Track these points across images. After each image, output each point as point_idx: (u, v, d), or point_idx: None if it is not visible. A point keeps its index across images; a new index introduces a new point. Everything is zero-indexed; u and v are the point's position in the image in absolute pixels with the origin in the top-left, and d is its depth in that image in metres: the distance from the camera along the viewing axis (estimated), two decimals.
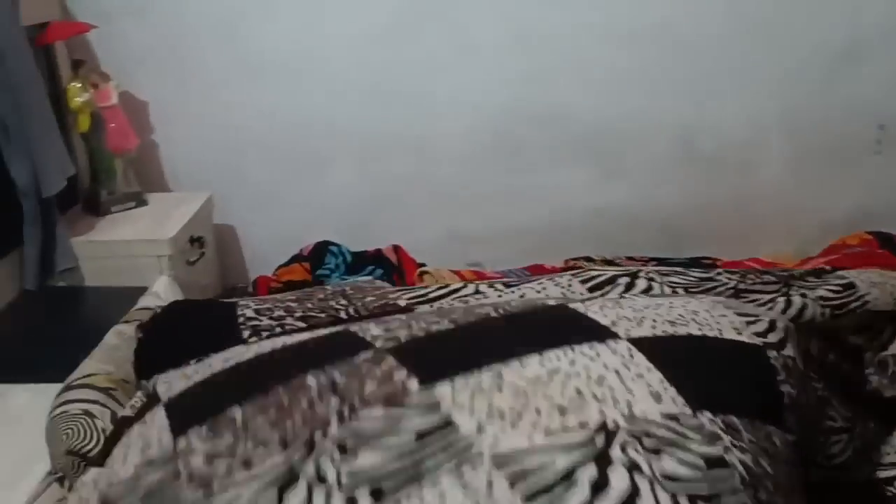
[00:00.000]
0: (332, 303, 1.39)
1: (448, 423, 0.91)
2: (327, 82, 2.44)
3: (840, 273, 1.44)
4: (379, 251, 2.49)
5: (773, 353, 1.05)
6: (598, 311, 1.12)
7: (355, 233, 2.55)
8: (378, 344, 1.07)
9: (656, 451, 0.88)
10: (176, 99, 2.46)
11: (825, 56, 2.41)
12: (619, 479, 0.85)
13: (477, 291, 1.39)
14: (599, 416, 0.91)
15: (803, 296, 1.33)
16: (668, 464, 0.87)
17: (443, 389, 0.95)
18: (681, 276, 1.42)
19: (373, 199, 2.59)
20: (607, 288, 1.36)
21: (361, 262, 2.45)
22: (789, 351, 1.08)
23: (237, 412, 0.98)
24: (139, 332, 1.42)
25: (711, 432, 0.91)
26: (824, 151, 2.51)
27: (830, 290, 1.34)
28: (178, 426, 0.99)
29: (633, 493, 0.84)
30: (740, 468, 0.88)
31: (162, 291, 1.59)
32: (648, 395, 0.95)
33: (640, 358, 1.00)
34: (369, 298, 1.40)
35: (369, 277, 2.35)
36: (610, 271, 1.41)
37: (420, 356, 1.03)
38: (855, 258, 2.30)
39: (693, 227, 2.59)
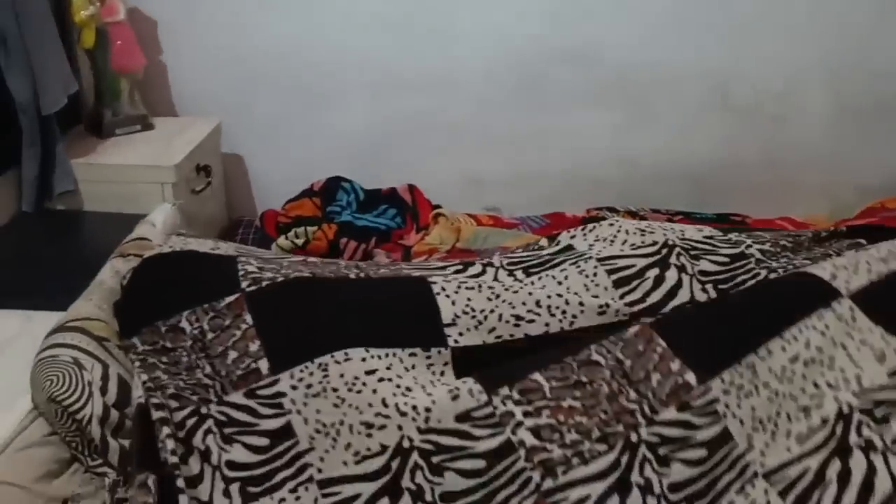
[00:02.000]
0: (343, 267, 1.37)
1: (727, 437, 1.01)
2: (343, 11, 2.30)
3: None
4: (393, 190, 2.39)
5: None
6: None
7: (368, 170, 2.44)
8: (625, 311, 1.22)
9: (886, 420, 1.02)
10: (186, 20, 2.33)
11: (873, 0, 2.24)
12: (857, 468, 0.99)
13: (495, 279, 1.34)
14: (835, 405, 1.04)
15: None
16: None
17: (716, 390, 1.04)
18: (711, 260, 1.35)
19: (387, 136, 2.47)
20: (634, 283, 1.32)
21: (374, 200, 2.35)
22: None
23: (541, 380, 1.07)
24: (123, 281, 1.36)
25: None
26: (867, 106, 2.35)
27: None
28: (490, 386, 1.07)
29: (870, 473, 0.98)
30: None
31: (160, 221, 1.50)
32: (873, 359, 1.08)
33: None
34: (382, 271, 1.37)
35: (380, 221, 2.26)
36: (639, 262, 1.35)
37: (685, 337, 1.12)
38: (894, 221, 2.20)
39: (723, 181, 2.45)
